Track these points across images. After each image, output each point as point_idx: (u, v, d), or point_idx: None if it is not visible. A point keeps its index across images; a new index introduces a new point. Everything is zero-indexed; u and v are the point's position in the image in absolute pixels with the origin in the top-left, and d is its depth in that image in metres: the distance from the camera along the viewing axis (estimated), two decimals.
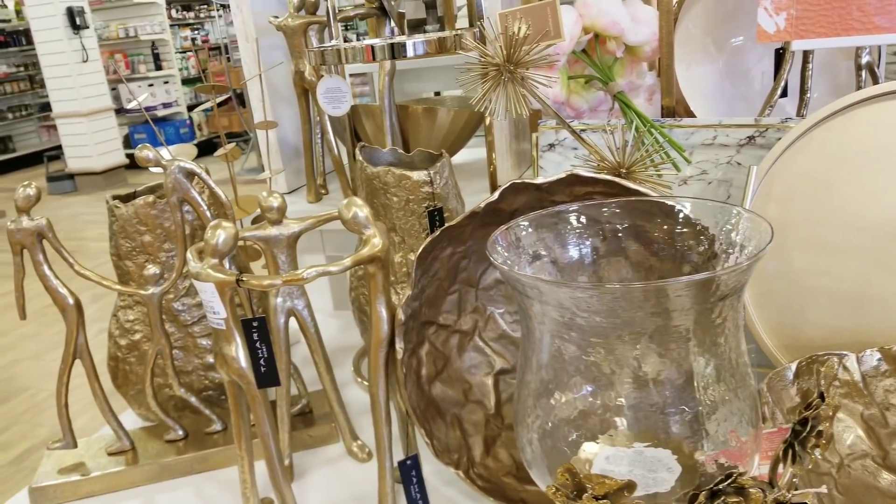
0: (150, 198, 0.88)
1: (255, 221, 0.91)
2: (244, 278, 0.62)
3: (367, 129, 1.23)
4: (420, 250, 0.69)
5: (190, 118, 7.00)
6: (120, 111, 6.54)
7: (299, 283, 0.63)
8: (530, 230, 0.61)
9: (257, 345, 0.66)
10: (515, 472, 0.77)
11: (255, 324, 0.65)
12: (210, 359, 0.94)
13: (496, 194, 0.68)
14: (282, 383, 0.74)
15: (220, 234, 0.65)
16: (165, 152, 0.88)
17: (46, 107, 7.01)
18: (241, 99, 6.56)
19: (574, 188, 0.71)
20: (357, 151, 0.96)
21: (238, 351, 0.66)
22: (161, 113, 6.67)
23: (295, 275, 0.63)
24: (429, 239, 0.68)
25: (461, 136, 1.25)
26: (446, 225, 0.69)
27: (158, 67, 6.82)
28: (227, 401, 0.96)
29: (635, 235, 0.62)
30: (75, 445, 0.87)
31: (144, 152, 0.80)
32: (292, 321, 0.82)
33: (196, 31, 7.36)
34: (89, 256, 4.39)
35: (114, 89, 6.46)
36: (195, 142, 6.87)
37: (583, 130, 0.98)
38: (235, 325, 0.66)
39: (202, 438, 0.89)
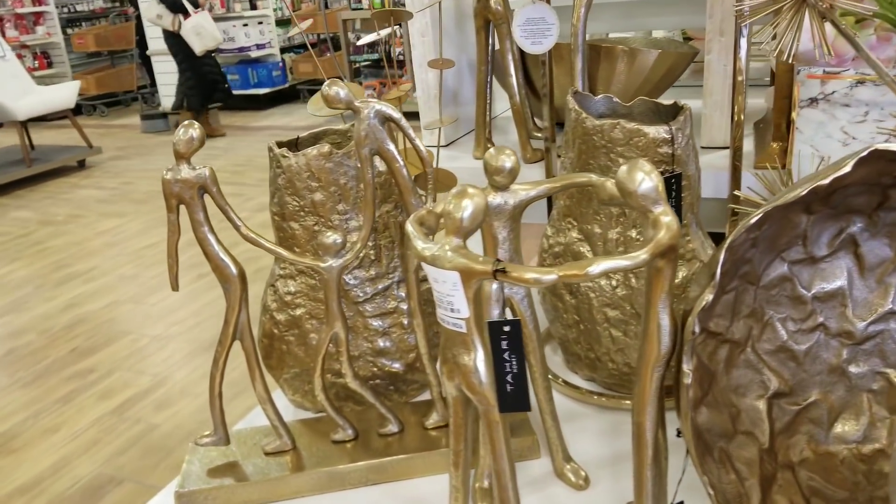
0: (326, 147, 0.71)
1: (417, 181, 0.73)
2: (506, 268, 0.45)
3: (535, 73, 1.03)
4: (734, 235, 0.49)
5: (283, 60, 6.86)
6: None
7: (581, 280, 0.45)
8: None
9: (505, 356, 0.49)
10: None
11: (506, 328, 0.48)
12: (381, 343, 0.78)
13: (849, 164, 0.48)
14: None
15: (467, 205, 0.47)
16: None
17: (139, 44, 7.01)
18: (336, 43, 6.41)
19: None
20: (570, 98, 0.77)
21: (479, 362, 0.49)
22: (254, 54, 6.55)
23: (575, 269, 0.45)
24: (753, 218, 0.49)
25: (660, 85, 1.04)
26: (774, 202, 0.49)
27: (253, 7, 6.68)
28: (395, 393, 0.81)
29: None
30: (227, 442, 0.72)
31: (334, 89, 0.62)
32: None
33: None
34: None
35: None
36: (286, 85, 6.78)
37: (860, 83, 0.76)
38: (479, 329, 0.49)
39: (375, 441, 0.74)
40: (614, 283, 0.76)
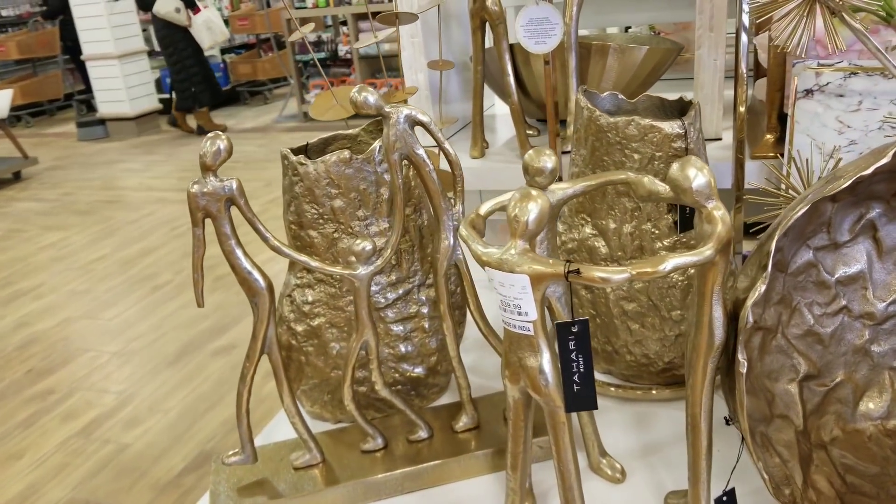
0: (346, 153, 0.70)
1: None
2: (579, 269, 0.45)
3: (525, 72, 1.04)
4: (791, 221, 0.51)
5: (223, 62, 6.71)
6: (152, 53, 6.28)
7: (651, 277, 0.46)
8: None
9: (573, 356, 0.49)
10: None
11: (574, 328, 0.48)
12: (403, 348, 0.78)
13: (890, 154, 0.50)
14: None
15: (532, 208, 0.47)
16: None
17: (70, 49, 6.75)
18: (280, 42, 6.31)
19: None
20: (580, 96, 0.78)
21: (546, 363, 0.49)
22: None
23: (647, 267, 0.45)
24: (801, 209, 0.50)
25: (648, 80, 1.06)
26: (820, 192, 0.50)
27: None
28: (417, 397, 0.80)
29: None
30: (256, 459, 0.71)
31: (363, 95, 0.62)
32: None
33: None
34: (132, 208, 4.23)
35: (144, 30, 6.18)
36: (227, 87, 6.64)
37: (853, 74, 0.79)
38: (544, 330, 0.49)
39: (405, 448, 0.73)
40: None
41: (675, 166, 0.50)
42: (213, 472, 0.73)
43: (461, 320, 0.81)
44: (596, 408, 0.50)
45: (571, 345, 0.48)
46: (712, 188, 0.49)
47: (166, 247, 3.55)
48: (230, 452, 0.71)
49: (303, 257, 0.66)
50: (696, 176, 0.49)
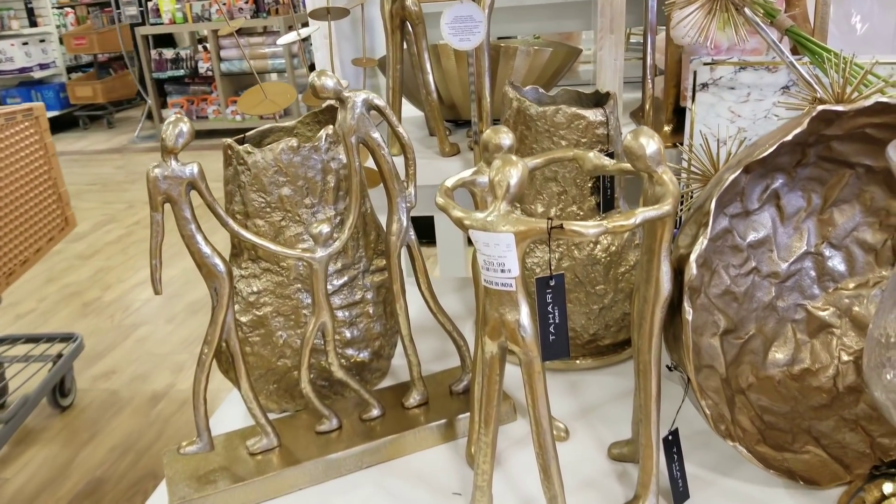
0: (293, 141, 0.72)
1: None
2: (562, 224, 0.50)
3: (437, 74, 1.09)
4: (728, 182, 0.58)
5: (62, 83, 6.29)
6: None
7: (625, 230, 0.51)
8: None
9: (549, 308, 0.53)
10: (764, 441, 0.68)
11: (552, 282, 0.53)
12: (348, 333, 0.79)
13: (805, 122, 0.58)
14: None
15: (513, 172, 0.51)
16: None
17: None
18: (125, 61, 5.99)
19: (865, 119, 0.62)
20: (508, 88, 0.83)
21: (525, 317, 0.53)
22: (38, 75, 5.99)
23: (621, 220, 0.51)
24: (735, 172, 0.58)
25: (551, 80, 1.14)
26: (752, 157, 0.58)
27: (33, 24, 6.12)
28: (360, 382, 0.82)
29: None
30: (213, 447, 0.70)
31: (322, 79, 0.64)
32: None
33: None
34: None
35: None
36: (63, 112, 6.22)
37: (742, 68, 0.90)
38: (523, 286, 0.53)
39: (359, 427, 0.75)
40: (557, 255, 0.84)
41: (628, 136, 0.56)
42: (166, 464, 0.72)
43: None
44: (568, 356, 0.55)
45: (549, 297, 0.53)
46: (662, 154, 0.56)
47: None
48: (185, 443, 0.70)
49: (264, 241, 0.67)
50: (649, 143, 0.55)
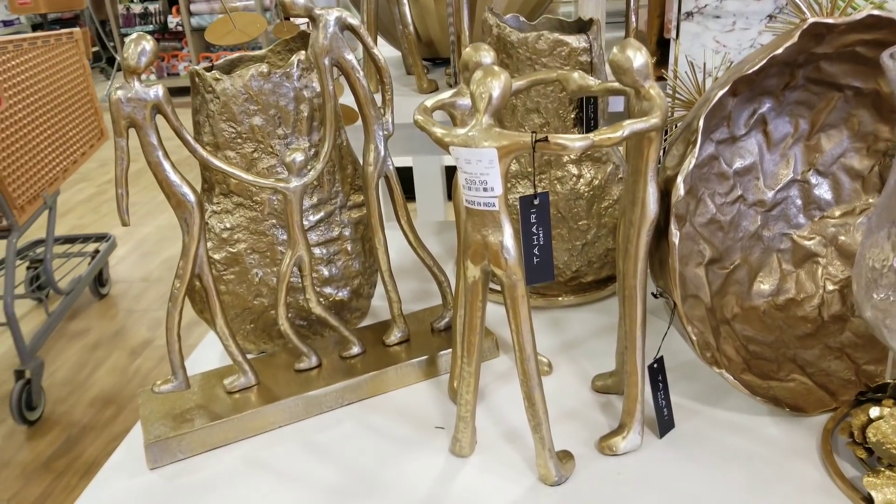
0: (264, 67, 0.69)
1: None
2: (548, 137, 0.47)
3: (414, 10, 1.05)
4: (717, 99, 0.56)
5: None
6: None
7: (612, 144, 0.49)
8: None
9: (534, 229, 0.51)
10: (750, 370, 0.68)
11: (536, 201, 0.51)
12: (326, 272, 0.77)
13: (796, 36, 0.56)
14: None
15: (495, 84, 0.49)
16: None
17: None
18: (83, 20, 5.81)
19: (856, 35, 0.60)
20: (489, 16, 0.80)
21: (509, 238, 0.51)
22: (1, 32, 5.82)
23: (608, 133, 0.49)
24: (725, 88, 0.55)
25: (536, 10, 1.10)
26: (742, 72, 0.56)
27: None
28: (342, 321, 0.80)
29: None
30: (189, 386, 0.68)
31: None
32: None
33: None
34: None
35: None
36: None
37: None
38: (506, 206, 0.51)
39: (339, 365, 0.73)
40: (540, 189, 0.82)
41: (615, 50, 0.54)
42: (140, 404, 0.70)
43: None
44: (553, 279, 0.53)
45: (533, 217, 0.51)
46: (649, 68, 0.54)
47: None
48: (159, 381, 0.68)
49: (235, 169, 0.64)
50: (636, 56, 0.53)
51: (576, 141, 0.48)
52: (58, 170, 2.01)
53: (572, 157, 0.78)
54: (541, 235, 0.51)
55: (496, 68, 0.49)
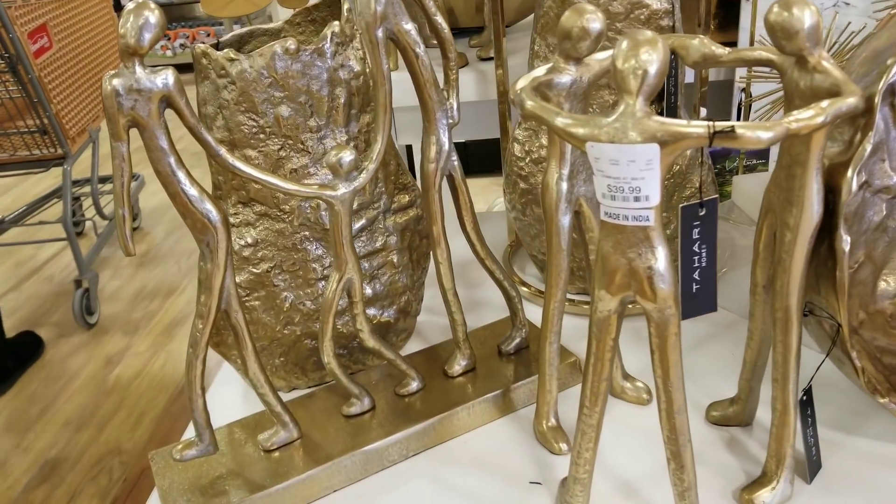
0: (290, 43, 0.55)
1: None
2: (734, 127, 0.35)
3: None
4: (885, 82, 0.43)
5: None
6: None
7: (812, 129, 0.37)
8: None
9: (696, 247, 0.39)
10: (894, 389, 0.57)
11: (701, 211, 0.38)
12: (369, 290, 0.64)
13: None
14: None
15: (651, 57, 0.36)
16: None
17: None
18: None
19: None
20: None
21: (664, 261, 0.39)
22: None
23: (804, 118, 0.36)
24: None
25: None
26: None
27: None
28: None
29: None
30: (217, 448, 0.55)
31: None
32: None
33: None
34: None
35: None
36: None
37: None
38: (660, 220, 0.38)
39: (396, 405, 0.60)
40: None
41: (776, 8, 0.41)
42: (156, 472, 0.56)
43: (426, 251, 0.69)
44: (715, 309, 0.41)
45: (696, 233, 0.38)
46: (820, 31, 0.41)
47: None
48: (180, 445, 0.54)
49: (271, 177, 0.50)
50: (806, 15, 0.40)
51: (768, 131, 0.35)
52: (100, 108, 2.26)
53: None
54: (703, 255, 0.39)
55: (650, 34, 0.36)
